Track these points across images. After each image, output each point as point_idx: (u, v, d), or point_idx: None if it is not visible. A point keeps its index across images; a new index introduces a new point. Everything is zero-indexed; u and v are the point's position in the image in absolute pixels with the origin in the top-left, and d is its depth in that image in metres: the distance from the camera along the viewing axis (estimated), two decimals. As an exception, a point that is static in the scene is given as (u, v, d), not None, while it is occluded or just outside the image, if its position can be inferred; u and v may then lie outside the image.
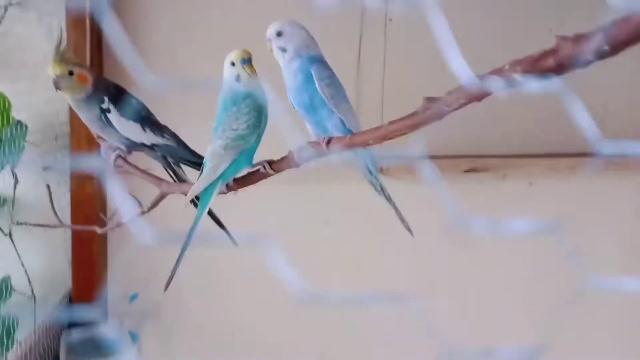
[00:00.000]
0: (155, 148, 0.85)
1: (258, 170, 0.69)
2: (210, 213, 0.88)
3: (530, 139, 1.48)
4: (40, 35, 1.17)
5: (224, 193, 0.71)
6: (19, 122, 1.11)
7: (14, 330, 1.09)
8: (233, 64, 0.69)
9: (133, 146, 0.85)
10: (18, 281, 1.14)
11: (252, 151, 0.68)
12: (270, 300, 1.40)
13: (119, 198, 0.86)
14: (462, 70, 0.39)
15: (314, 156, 0.63)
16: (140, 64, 0.49)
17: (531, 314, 1.52)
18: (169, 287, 1.36)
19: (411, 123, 0.51)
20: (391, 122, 0.54)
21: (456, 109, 0.47)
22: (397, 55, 1.39)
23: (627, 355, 1.60)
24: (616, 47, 0.35)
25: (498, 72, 0.41)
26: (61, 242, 1.26)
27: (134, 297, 1.34)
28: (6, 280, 1.07)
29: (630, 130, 1.52)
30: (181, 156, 0.87)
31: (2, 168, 1.07)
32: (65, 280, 1.27)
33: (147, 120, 0.84)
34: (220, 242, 0.88)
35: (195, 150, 0.85)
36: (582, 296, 1.48)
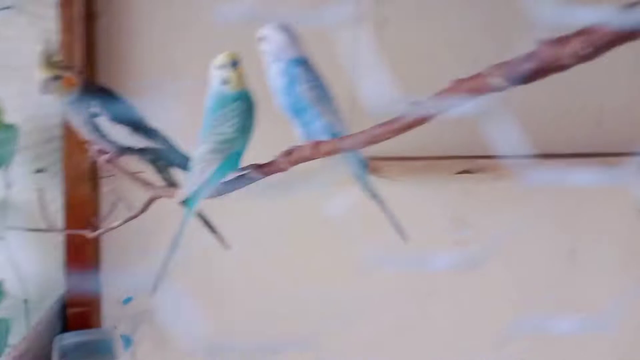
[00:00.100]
0: (145, 151, 0.85)
1: (246, 173, 0.69)
2: (202, 217, 0.88)
3: (526, 140, 1.47)
4: (33, 38, 1.17)
5: (212, 197, 0.70)
6: (10, 125, 1.11)
7: (6, 335, 1.09)
8: (221, 66, 0.69)
9: (123, 150, 0.85)
10: (11, 285, 1.14)
11: (239, 155, 0.68)
12: (264, 304, 1.40)
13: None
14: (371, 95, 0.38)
15: (301, 160, 0.62)
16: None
17: (527, 314, 1.52)
18: (164, 289, 1.35)
19: (395, 127, 0.51)
20: (376, 126, 0.53)
21: (440, 113, 0.47)
22: (391, 57, 1.38)
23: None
24: (594, 51, 0.34)
25: (477, 77, 0.41)
26: (54, 245, 1.25)
27: (128, 301, 1.33)
28: (-2, 284, 1.06)
29: (627, 131, 1.52)
30: (172, 159, 0.86)
31: (-6, 171, 1.07)
32: (58, 284, 1.26)
33: (136, 123, 0.84)
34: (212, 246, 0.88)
35: (188, 153, 0.84)
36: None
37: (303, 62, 0.68)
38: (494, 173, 1.41)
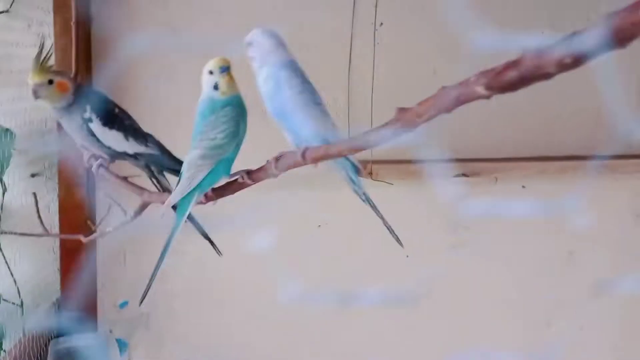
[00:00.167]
0: (139, 157, 0.85)
1: (236, 180, 0.69)
2: (195, 223, 0.88)
3: (521, 143, 1.48)
4: (29, 43, 1.17)
5: (202, 203, 0.70)
6: (6, 129, 1.11)
7: (1, 339, 1.09)
8: (211, 72, 0.69)
9: (116, 155, 0.84)
10: (6, 289, 1.14)
11: (230, 161, 0.68)
12: (260, 309, 1.40)
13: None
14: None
15: (291, 166, 0.62)
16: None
17: (527, 317, 1.52)
18: (160, 294, 1.36)
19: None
20: (365, 133, 0.53)
21: (427, 120, 0.47)
22: (388, 60, 1.38)
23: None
24: (577, 60, 0.34)
25: (465, 84, 0.41)
26: (50, 249, 1.25)
27: (123, 305, 1.33)
28: (-7, 288, 1.06)
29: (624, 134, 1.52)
30: (165, 165, 0.86)
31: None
32: (54, 289, 1.26)
33: (130, 129, 0.84)
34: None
35: (181, 159, 0.84)
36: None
37: (289, 67, 0.68)
38: (491, 176, 1.41)
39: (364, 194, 0.77)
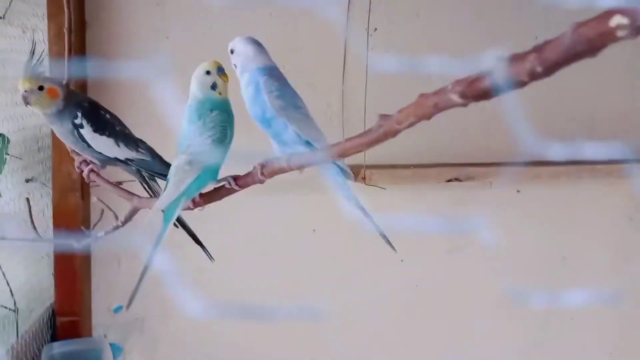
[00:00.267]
0: (130, 162, 0.85)
1: (224, 185, 0.69)
2: (187, 229, 0.88)
3: (515, 147, 1.48)
4: (23, 49, 1.18)
5: (190, 209, 0.71)
6: (1, 135, 1.11)
7: (-5, 344, 1.09)
8: (208, 72, 0.70)
9: (107, 160, 0.85)
10: (0, 294, 1.14)
11: (217, 166, 0.68)
12: (255, 314, 1.40)
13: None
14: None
15: (277, 172, 0.63)
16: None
17: (522, 321, 1.52)
18: (155, 298, 1.35)
19: (366, 140, 0.51)
20: (347, 140, 0.53)
21: (407, 126, 0.47)
22: (381, 65, 1.39)
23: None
24: (548, 68, 0.34)
25: (441, 92, 0.41)
26: (44, 254, 1.26)
27: (117, 310, 1.33)
28: (-14, 294, 1.07)
29: (619, 140, 1.52)
30: (156, 170, 0.87)
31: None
32: (48, 293, 1.27)
33: (120, 134, 0.84)
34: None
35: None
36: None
37: (267, 72, 0.69)
38: (483, 180, 1.41)
39: (355, 199, 0.78)
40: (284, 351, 1.44)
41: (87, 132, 0.81)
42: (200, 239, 0.88)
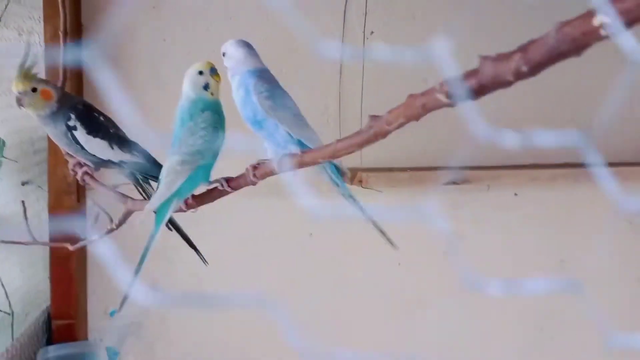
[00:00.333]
0: (124, 165, 0.85)
1: (216, 187, 0.69)
2: (180, 232, 0.88)
3: (513, 150, 1.47)
4: (19, 52, 1.17)
5: (183, 211, 0.70)
6: (-4, 138, 1.11)
7: (-10, 347, 1.09)
8: (201, 72, 0.70)
9: (101, 163, 0.85)
10: (-5, 297, 1.14)
11: (209, 167, 0.68)
12: (253, 316, 1.40)
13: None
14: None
15: (269, 174, 0.62)
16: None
17: (521, 323, 1.51)
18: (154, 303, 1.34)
19: (357, 141, 0.51)
20: (339, 140, 0.53)
21: (397, 127, 0.47)
22: (378, 68, 1.39)
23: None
24: (533, 68, 0.34)
25: (429, 92, 0.41)
26: (40, 258, 1.25)
27: (114, 313, 1.33)
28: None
29: (618, 143, 1.52)
30: (150, 173, 0.86)
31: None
32: (44, 297, 1.26)
33: (114, 137, 0.84)
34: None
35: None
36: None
37: (257, 74, 0.70)
38: (480, 184, 1.41)
39: (350, 196, 0.78)
40: (283, 355, 1.43)
41: (80, 134, 0.81)
42: (194, 243, 0.87)
